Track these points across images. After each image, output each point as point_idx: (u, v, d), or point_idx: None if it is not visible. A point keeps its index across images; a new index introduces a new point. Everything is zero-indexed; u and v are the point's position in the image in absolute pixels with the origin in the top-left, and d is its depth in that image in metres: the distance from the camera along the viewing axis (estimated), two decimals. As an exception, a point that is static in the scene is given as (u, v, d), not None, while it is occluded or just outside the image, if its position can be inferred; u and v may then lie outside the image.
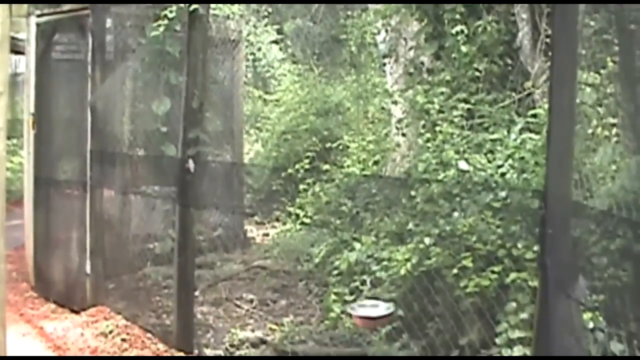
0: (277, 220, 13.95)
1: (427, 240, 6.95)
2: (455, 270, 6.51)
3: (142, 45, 9.63)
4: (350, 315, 7.28)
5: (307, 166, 12.66)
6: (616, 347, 5.17)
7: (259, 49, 20.49)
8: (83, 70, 8.76)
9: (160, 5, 9.11)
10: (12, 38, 5.58)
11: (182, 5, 7.41)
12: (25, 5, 9.42)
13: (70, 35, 9.26)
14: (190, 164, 7.35)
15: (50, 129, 9.35)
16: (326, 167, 11.99)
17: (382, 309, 6.95)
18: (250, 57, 19.65)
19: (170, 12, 7.62)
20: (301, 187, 12.05)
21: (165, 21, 7.68)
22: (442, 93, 8.40)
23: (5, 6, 5.07)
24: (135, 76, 10.01)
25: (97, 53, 8.63)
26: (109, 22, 9.13)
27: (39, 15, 9.19)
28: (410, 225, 7.61)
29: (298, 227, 11.47)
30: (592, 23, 5.99)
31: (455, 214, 6.87)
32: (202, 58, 7.50)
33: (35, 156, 9.29)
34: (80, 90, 8.84)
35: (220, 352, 7.54)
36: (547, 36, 8.14)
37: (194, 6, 7.29)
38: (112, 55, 9.03)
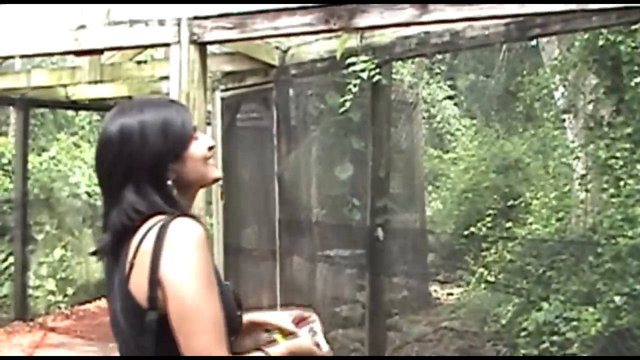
0: (461, 279, 13.93)
1: (617, 300, 6.85)
2: (647, 330, 6.40)
3: (324, 114, 9.92)
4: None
5: (489, 224, 12.61)
6: None
7: (434, 106, 20.60)
8: (269, 141, 9.08)
9: (337, 72, 9.35)
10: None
11: (363, 76, 7.64)
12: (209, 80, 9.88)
13: (254, 107, 9.62)
14: (380, 233, 7.52)
15: (239, 198, 9.70)
16: (509, 225, 11.91)
17: None
18: (426, 115, 19.77)
19: (355, 85, 7.85)
20: (484, 245, 12.01)
21: (350, 95, 7.92)
22: (624, 147, 8.28)
23: (201, 92, 5.42)
24: (318, 144, 10.30)
25: (281, 124, 8.93)
26: (291, 92, 9.44)
27: (223, 90, 9.57)
28: (599, 285, 7.52)
29: (482, 286, 11.42)
30: None
31: (646, 272, 6.77)
32: (387, 127, 7.72)
33: (224, 225, 9.64)
34: (267, 161, 9.16)
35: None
36: None
37: (377, 77, 7.53)
38: (296, 125, 9.33)
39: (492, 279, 11.08)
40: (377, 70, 7.63)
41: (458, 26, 6.69)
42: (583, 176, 9.45)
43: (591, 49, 8.90)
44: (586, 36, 8.81)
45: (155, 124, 2.46)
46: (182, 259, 2.31)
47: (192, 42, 5.39)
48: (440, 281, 14.43)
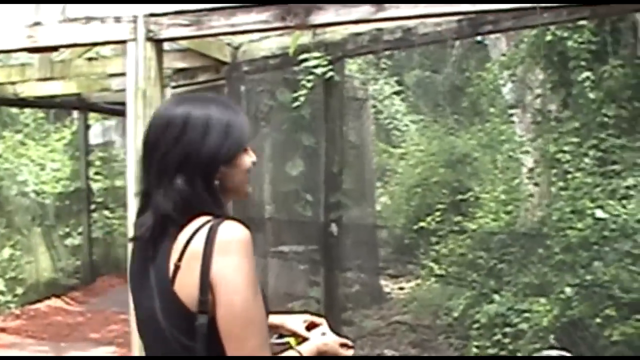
0: (412, 274, 14.04)
1: (568, 291, 6.97)
2: (598, 320, 6.50)
3: (275, 110, 9.94)
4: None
5: (439, 219, 12.73)
6: None
7: (381, 102, 20.66)
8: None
9: (289, 68, 9.37)
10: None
11: (317, 72, 7.68)
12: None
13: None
14: (334, 228, 7.56)
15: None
16: (458, 219, 12.03)
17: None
18: (373, 111, 19.82)
19: (308, 81, 7.89)
20: (434, 240, 12.12)
21: (304, 91, 7.95)
22: (571, 141, 8.42)
23: (158, 89, 5.43)
24: (270, 140, 10.31)
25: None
26: (242, 89, 9.42)
27: (174, 87, 9.51)
28: (550, 276, 7.64)
29: (433, 280, 11.54)
30: None
31: (595, 263, 6.88)
32: (339, 123, 7.76)
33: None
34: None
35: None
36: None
37: (330, 74, 7.58)
38: (249, 120, 9.32)
39: (442, 272, 11.20)
40: (330, 67, 7.68)
41: (410, 23, 6.75)
42: (532, 170, 9.59)
43: (539, 44, 9.04)
44: (534, 32, 8.94)
45: (220, 122, 2.48)
46: (232, 263, 2.33)
47: (149, 39, 5.40)
48: (391, 275, 14.54)
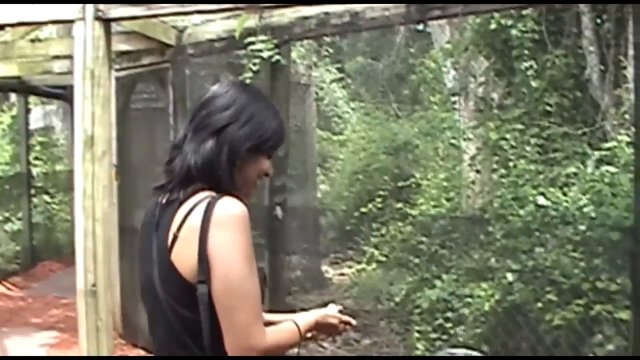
0: (352, 259, 14.11)
1: (509, 276, 7.05)
2: (539, 305, 6.59)
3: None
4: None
5: (380, 205, 12.79)
6: None
7: (322, 89, 20.67)
8: (164, 122, 9.00)
9: (234, 52, 9.31)
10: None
11: (264, 56, 7.63)
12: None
13: (150, 87, 9.47)
14: (279, 211, 7.54)
15: (134, 179, 9.58)
16: (399, 205, 12.10)
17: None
18: (314, 97, 19.82)
19: (254, 64, 7.83)
20: (375, 226, 12.18)
21: (250, 74, 7.88)
22: (514, 129, 8.50)
23: (106, 69, 5.36)
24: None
25: (178, 104, 8.85)
26: (187, 72, 9.34)
27: (118, 69, 9.38)
28: (491, 262, 7.72)
29: (374, 266, 11.61)
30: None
31: (537, 249, 6.96)
32: (285, 107, 7.73)
33: (119, 206, 9.52)
34: (162, 141, 9.08)
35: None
36: (617, 68, 8.25)
37: (276, 57, 7.53)
38: (192, 105, 9.23)
39: (384, 258, 11.27)
40: (276, 51, 7.64)
41: (358, 7, 6.73)
42: (473, 157, 9.65)
43: (483, 33, 9.11)
44: (478, 20, 9.01)
45: (261, 120, 2.68)
46: (228, 237, 2.45)
47: (97, 18, 5.34)
48: (332, 262, 14.60)
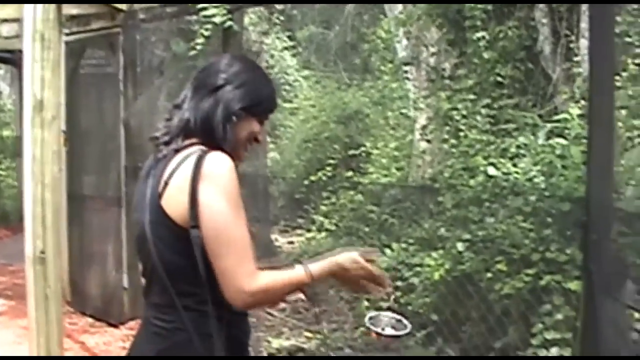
0: (301, 228, 14.10)
1: (459, 246, 7.09)
2: (489, 275, 6.64)
3: (170, 61, 9.77)
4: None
5: (330, 174, 12.79)
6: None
7: (273, 57, 20.57)
8: (114, 87, 8.89)
9: (186, 18, 9.22)
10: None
11: (216, 21, 7.56)
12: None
13: (100, 53, 9.33)
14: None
15: (83, 145, 9.45)
16: (350, 174, 12.10)
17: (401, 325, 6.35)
18: (264, 65, 19.71)
19: (206, 30, 7.76)
20: (325, 194, 12.18)
21: (202, 39, 7.81)
22: (465, 99, 8.52)
23: (56, 32, 5.26)
24: (165, 90, 10.13)
25: (128, 69, 8.76)
26: (138, 37, 9.22)
27: (67, 34, 9.22)
28: (441, 231, 7.76)
29: (324, 234, 11.61)
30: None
31: (487, 219, 7.01)
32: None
33: (68, 172, 9.41)
34: (112, 107, 8.98)
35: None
36: (568, 41, 8.29)
37: (228, 23, 7.47)
38: (143, 71, 9.13)
39: (333, 227, 11.27)
40: (229, 16, 7.57)
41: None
42: (424, 127, 9.66)
43: (435, 2, 9.10)
44: (431, -11, 9.00)
45: (255, 86, 2.92)
46: (217, 186, 2.64)
47: (48, -21, 5.23)
48: (281, 230, 14.59)
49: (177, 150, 2.79)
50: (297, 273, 2.78)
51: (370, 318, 5.96)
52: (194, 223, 2.64)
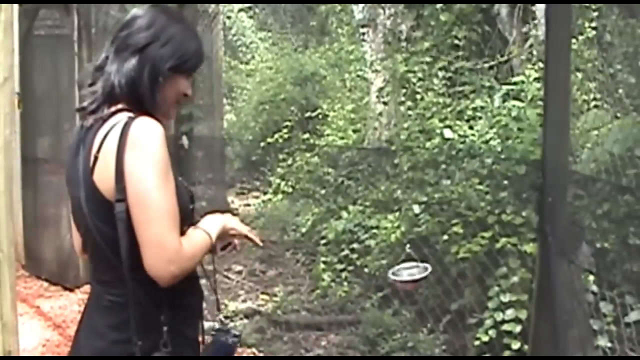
0: (257, 190, 14.10)
1: (415, 208, 7.11)
2: (445, 237, 6.66)
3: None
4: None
5: (286, 136, 12.76)
6: (606, 308, 5.40)
7: (229, 18, 20.40)
8: (68, 49, 8.78)
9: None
10: None
11: (170, -19, 7.46)
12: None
13: (54, 14, 9.18)
14: (184, 141, 7.43)
15: (36, 107, 9.34)
16: (306, 136, 12.08)
17: (421, 269, 6.05)
18: (220, 26, 19.52)
19: (161, -11, 7.65)
20: (281, 157, 12.17)
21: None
22: (422, 62, 8.50)
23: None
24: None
25: (82, 31, 8.65)
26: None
27: (18, -6, 9.06)
28: (398, 194, 7.77)
29: (280, 197, 11.61)
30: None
31: (443, 181, 7.02)
32: (195, 35, 7.58)
33: (21, 134, 9.29)
34: (66, 69, 8.87)
35: (215, 324, 7.64)
36: (525, 3, 8.28)
37: (184, -17, 7.38)
38: (97, 32, 8.99)
39: (289, 189, 11.27)
40: (184, -24, 7.48)
41: None
42: (381, 89, 9.64)
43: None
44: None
45: (178, 40, 2.79)
46: (142, 153, 2.55)
47: None
48: (237, 193, 14.56)
49: (104, 120, 2.68)
50: (203, 237, 2.74)
51: (393, 272, 6.06)
52: (120, 196, 2.56)
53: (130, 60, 2.70)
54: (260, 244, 3.09)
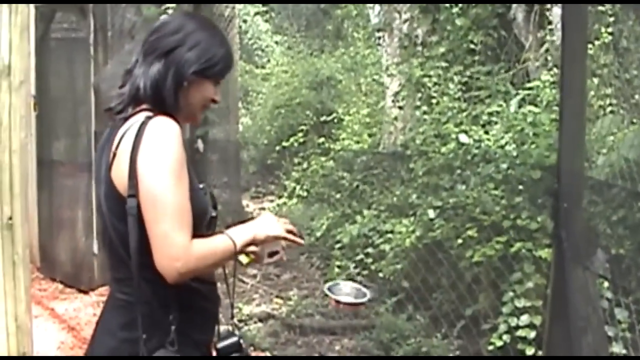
0: (272, 194, 14.10)
1: (430, 213, 7.10)
2: (460, 242, 6.65)
3: (141, 25, 9.66)
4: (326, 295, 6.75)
5: (302, 140, 12.75)
6: (621, 314, 5.37)
7: (245, 21, 20.44)
8: (84, 52, 8.81)
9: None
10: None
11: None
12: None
13: (70, 16, 9.21)
14: (200, 144, 7.44)
15: (53, 110, 9.36)
16: (321, 140, 12.07)
17: (360, 293, 5.83)
18: (236, 30, 19.55)
19: (175, -7, 7.69)
20: (297, 160, 12.17)
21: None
22: (438, 66, 8.49)
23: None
24: (136, 54, 10.02)
25: (99, 34, 8.68)
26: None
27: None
28: (413, 198, 7.76)
29: (295, 201, 11.61)
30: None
31: (458, 186, 7.01)
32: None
33: (37, 137, 9.34)
34: (82, 72, 8.90)
35: (229, 328, 7.64)
36: (541, 8, 8.27)
37: (199, -14, 7.39)
38: (113, 35, 9.03)
39: (304, 193, 11.27)
40: (200, -20, 7.49)
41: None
42: (396, 94, 9.64)
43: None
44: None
45: (205, 46, 2.83)
46: (155, 151, 2.60)
47: None
48: (252, 197, 14.56)
49: (126, 119, 2.75)
50: (224, 242, 2.73)
51: (330, 287, 5.91)
52: (131, 192, 2.60)
53: (156, 64, 2.75)
54: (302, 242, 3.06)
